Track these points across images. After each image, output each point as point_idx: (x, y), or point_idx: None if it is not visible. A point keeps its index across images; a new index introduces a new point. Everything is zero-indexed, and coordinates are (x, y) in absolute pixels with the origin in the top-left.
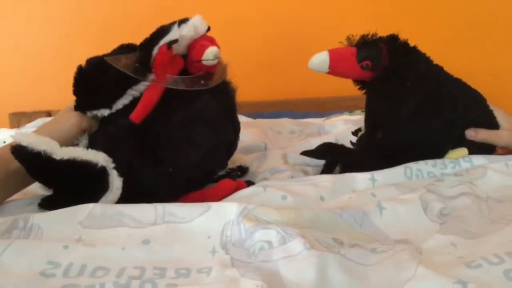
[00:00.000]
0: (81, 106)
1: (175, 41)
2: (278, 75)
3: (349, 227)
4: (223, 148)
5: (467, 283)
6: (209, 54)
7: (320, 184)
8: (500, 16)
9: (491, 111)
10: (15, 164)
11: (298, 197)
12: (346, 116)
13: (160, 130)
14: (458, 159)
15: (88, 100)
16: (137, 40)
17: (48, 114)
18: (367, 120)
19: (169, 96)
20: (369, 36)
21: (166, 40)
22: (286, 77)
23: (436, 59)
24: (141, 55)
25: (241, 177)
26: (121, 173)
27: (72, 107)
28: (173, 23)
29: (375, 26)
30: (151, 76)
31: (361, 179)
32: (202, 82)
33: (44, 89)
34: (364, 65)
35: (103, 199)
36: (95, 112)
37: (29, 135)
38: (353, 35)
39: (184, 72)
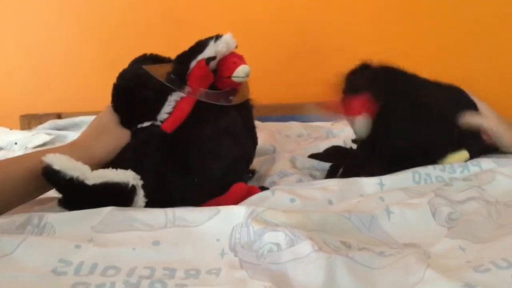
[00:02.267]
0: (128, 122)
1: (214, 58)
2: (287, 78)
3: (357, 230)
4: (244, 161)
5: (475, 287)
6: (241, 72)
7: (328, 188)
8: (504, 19)
9: (474, 103)
10: (23, 174)
11: (306, 201)
12: None
13: (190, 142)
14: (466, 164)
15: (134, 115)
16: (147, 42)
17: (58, 116)
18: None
19: (199, 109)
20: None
21: (204, 56)
22: (295, 81)
23: (437, 61)
24: (178, 67)
25: (249, 180)
26: (149, 182)
27: (114, 118)
28: (210, 38)
29: (381, 30)
30: (187, 89)
31: (369, 183)
32: (231, 98)
33: (54, 91)
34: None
35: None
36: (142, 125)
37: (61, 157)
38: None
39: (211, 86)
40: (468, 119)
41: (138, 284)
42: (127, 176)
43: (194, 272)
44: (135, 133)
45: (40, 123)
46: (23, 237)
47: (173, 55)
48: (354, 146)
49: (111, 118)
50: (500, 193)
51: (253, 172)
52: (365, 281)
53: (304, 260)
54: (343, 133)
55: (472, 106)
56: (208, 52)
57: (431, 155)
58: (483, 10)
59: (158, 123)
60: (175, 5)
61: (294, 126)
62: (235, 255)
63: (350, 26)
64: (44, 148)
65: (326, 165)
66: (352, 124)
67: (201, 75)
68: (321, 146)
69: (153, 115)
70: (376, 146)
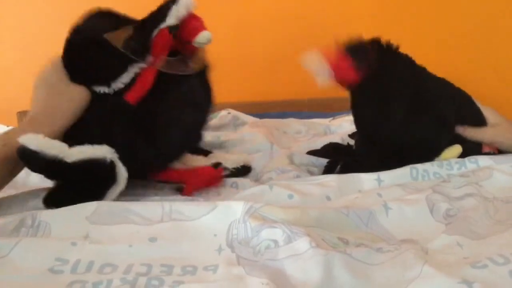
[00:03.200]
0: (79, 79)
1: (177, 26)
2: (284, 75)
3: (355, 226)
4: (203, 126)
5: (473, 283)
6: (203, 38)
7: (326, 184)
8: (502, 18)
9: (477, 108)
10: (2, 151)
11: (304, 197)
12: (352, 117)
13: (152, 111)
14: (464, 160)
15: (87, 77)
16: None
17: None
18: (356, 124)
19: (159, 77)
20: (356, 40)
21: (168, 23)
22: (293, 78)
23: (436, 59)
24: (140, 35)
25: (244, 176)
26: (119, 154)
27: (63, 76)
28: (170, 2)
29: (382, 28)
30: (150, 58)
31: (367, 179)
32: (191, 64)
33: None
34: (360, 69)
35: (111, 191)
36: (94, 88)
37: (37, 137)
38: (339, 39)
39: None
40: (470, 134)
41: (135, 281)
42: (103, 151)
43: (191, 268)
44: (92, 99)
45: None
46: (18, 239)
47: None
48: (352, 142)
49: (59, 77)
50: (497, 189)
51: (249, 169)
52: (363, 277)
53: (302, 256)
54: (341, 129)
55: (476, 114)
56: (171, 20)
57: (428, 152)
58: (483, 6)
59: (110, 89)
60: None
61: (292, 123)
62: (232, 251)
63: (350, 23)
64: (5, 132)
65: (324, 162)
66: (317, 69)
67: (164, 44)
68: (319, 143)
69: (108, 82)
70: (374, 142)
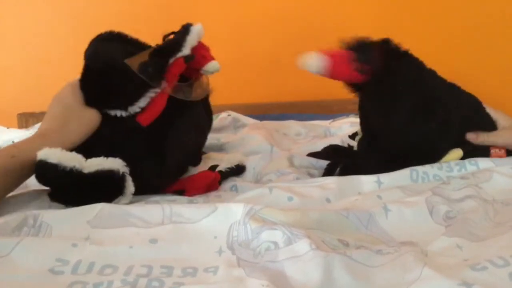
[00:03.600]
0: (95, 104)
1: (192, 57)
2: (284, 77)
3: (354, 228)
4: (202, 145)
5: (472, 285)
6: (212, 67)
7: (326, 186)
8: (503, 18)
9: (487, 113)
10: (10, 162)
11: (304, 199)
12: (352, 119)
13: (162, 133)
14: (464, 162)
15: (105, 101)
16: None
17: None
18: (362, 125)
19: (170, 101)
20: (363, 40)
21: (183, 54)
22: (293, 79)
23: (438, 60)
24: (158, 62)
25: (239, 175)
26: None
27: (79, 98)
28: (184, 33)
29: (382, 29)
30: (164, 84)
31: (367, 181)
32: (198, 90)
33: (52, 89)
34: (360, 69)
35: (116, 201)
36: (110, 112)
37: (56, 151)
38: (346, 39)
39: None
40: (483, 139)
41: (136, 282)
42: (116, 163)
43: (192, 270)
44: (104, 120)
45: (38, 121)
46: (20, 239)
47: None
48: (352, 143)
49: (75, 99)
50: (497, 191)
51: (243, 168)
52: (362, 279)
53: (302, 258)
54: (341, 131)
55: (484, 118)
56: (186, 50)
57: (430, 155)
58: (484, 6)
59: (127, 113)
60: (174, 5)
61: (292, 125)
62: (233, 253)
63: (351, 24)
64: (11, 143)
65: (324, 164)
66: (310, 60)
67: (177, 72)
68: (319, 145)
69: (126, 107)
70: (377, 144)
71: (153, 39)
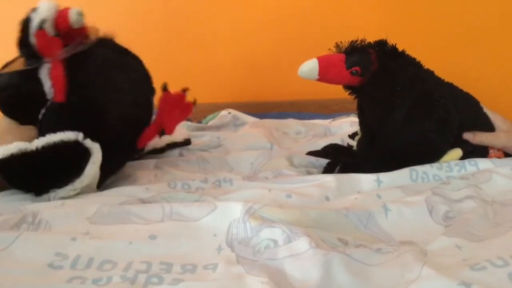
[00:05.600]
0: (27, 121)
1: (43, 21)
2: (285, 76)
3: (354, 227)
4: (143, 78)
5: (471, 285)
6: (74, 15)
7: (325, 185)
8: (503, 19)
9: (484, 113)
10: None
11: (303, 197)
12: (352, 118)
13: (83, 94)
14: (464, 163)
15: (28, 114)
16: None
17: None
18: (361, 126)
19: (71, 68)
20: (358, 42)
21: (35, 26)
22: (293, 78)
23: (439, 62)
24: (25, 50)
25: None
26: None
27: (12, 120)
28: (29, 13)
29: (382, 30)
30: (46, 59)
31: (366, 180)
32: (86, 41)
33: None
34: (353, 71)
35: (90, 163)
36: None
37: None
38: (341, 42)
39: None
40: (481, 138)
41: (135, 278)
42: (66, 135)
43: (191, 267)
44: (40, 123)
45: None
46: (19, 233)
47: (171, 51)
48: (352, 143)
49: (8, 121)
50: (496, 192)
51: (189, 141)
52: (361, 278)
53: (301, 256)
54: (341, 131)
55: (484, 120)
56: (35, 22)
57: (429, 154)
58: (485, 7)
59: (49, 103)
60: (177, 4)
61: (292, 124)
62: (232, 251)
63: (353, 24)
64: None
65: (324, 163)
66: (303, 66)
67: (46, 41)
68: (319, 144)
69: (43, 101)
70: (373, 144)
71: (157, 40)
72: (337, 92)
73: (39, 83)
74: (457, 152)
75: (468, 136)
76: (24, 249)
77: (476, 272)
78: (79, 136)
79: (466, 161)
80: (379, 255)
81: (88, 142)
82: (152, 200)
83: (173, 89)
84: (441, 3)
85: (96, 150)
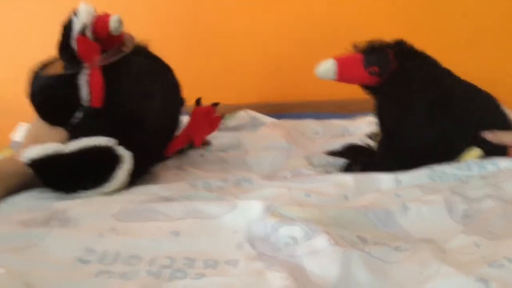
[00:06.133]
0: (60, 124)
1: (85, 27)
2: (303, 76)
3: (373, 225)
4: (174, 88)
5: (489, 282)
6: (114, 22)
7: (344, 184)
8: None
9: (503, 112)
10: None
11: (321, 196)
12: (370, 118)
13: (119, 101)
14: (483, 162)
15: (63, 118)
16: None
17: None
18: (380, 125)
19: (109, 74)
20: (376, 42)
21: (76, 32)
22: (311, 79)
23: (457, 61)
24: (65, 55)
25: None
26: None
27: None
28: (69, 17)
29: (401, 30)
30: (86, 65)
31: (385, 179)
32: (123, 48)
33: None
34: (371, 70)
35: (121, 170)
36: (74, 119)
37: (33, 148)
38: (359, 42)
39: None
40: (501, 138)
41: (160, 273)
42: (99, 140)
43: (213, 262)
44: (74, 128)
45: None
46: (49, 229)
47: (190, 52)
48: (370, 142)
49: (41, 124)
50: None
51: (208, 142)
52: (380, 275)
53: (321, 253)
54: (359, 131)
55: (503, 118)
56: (77, 27)
57: (447, 153)
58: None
59: (84, 109)
60: (198, 9)
61: (310, 124)
62: (252, 248)
63: (370, 24)
64: None
65: (342, 162)
66: (320, 66)
67: (86, 47)
68: (337, 144)
69: (78, 105)
70: (391, 144)
71: (176, 41)
72: (355, 92)
73: (76, 88)
74: (476, 151)
75: (487, 135)
76: (54, 244)
77: (494, 269)
78: (112, 142)
79: (486, 160)
80: (397, 252)
81: (121, 149)
82: (174, 198)
83: (191, 91)
84: (460, 3)
85: (127, 158)
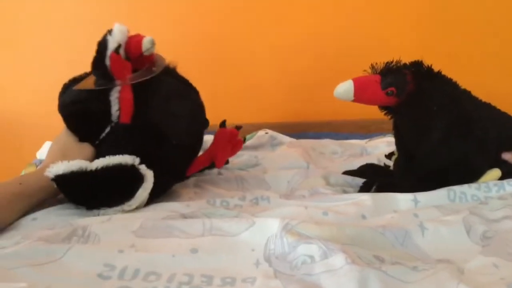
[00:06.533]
0: (87, 139)
1: (119, 46)
2: (321, 96)
3: (390, 245)
4: (199, 108)
5: None
6: (147, 43)
7: (362, 203)
8: None
9: None
10: (9, 197)
11: (339, 215)
12: (389, 138)
13: (148, 118)
14: (502, 183)
15: (90, 132)
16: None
17: None
18: (398, 145)
19: (138, 92)
20: (393, 63)
21: (110, 49)
22: (330, 99)
23: (477, 82)
24: (98, 71)
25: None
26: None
27: (73, 136)
28: (104, 36)
29: (419, 51)
30: (117, 82)
31: (403, 199)
32: (154, 69)
33: None
34: (389, 91)
35: (141, 188)
36: (103, 135)
37: (59, 164)
38: (377, 63)
39: (134, 71)
40: None
41: None
42: (124, 158)
43: (230, 280)
44: (101, 142)
45: None
46: (71, 245)
47: (210, 73)
48: (388, 163)
49: (69, 138)
50: None
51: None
52: None
53: (338, 272)
54: (377, 151)
55: None
56: (112, 45)
57: (467, 175)
58: None
59: (112, 124)
60: (218, 29)
61: (328, 144)
62: (270, 265)
63: (389, 44)
64: (21, 175)
65: (360, 182)
66: (339, 87)
67: (119, 65)
68: (355, 164)
69: (107, 121)
70: (410, 164)
71: (196, 62)
72: (374, 112)
73: (106, 103)
74: (496, 172)
75: (507, 156)
76: (76, 260)
77: None
78: (136, 160)
79: (505, 181)
80: (415, 272)
81: (143, 168)
82: (193, 215)
83: (211, 110)
84: (477, 25)
85: (149, 177)
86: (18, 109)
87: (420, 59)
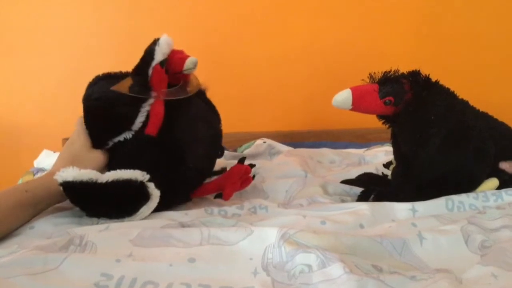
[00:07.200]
0: (101, 138)
1: (165, 60)
2: (319, 105)
3: (388, 255)
4: (218, 137)
5: None
6: (190, 63)
7: (360, 212)
8: None
9: None
10: (14, 204)
11: (337, 224)
12: (387, 147)
13: (172, 135)
14: (500, 192)
15: (109, 132)
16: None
17: None
18: (396, 154)
19: (168, 107)
20: (391, 73)
21: (157, 61)
22: (328, 108)
23: (474, 92)
24: (139, 78)
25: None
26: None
27: (85, 142)
28: (152, 45)
29: (417, 61)
30: (154, 94)
31: (401, 209)
32: (188, 89)
33: None
34: (386, 100)
35: (145, 206)
36: (117, 139)
37: (70, 170)
38: (375, 72)
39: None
40: None
41: None
42: (134, 174)
43: None
44: (113, 149)
45: None
46: (68, 254)
47: (208, 82)
48: (386, 172)
49: (81, 144)
50: None
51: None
52: None
53: (336, 281)
54: (375, 160)
55: None
56: (158, 57)
57: (465, 184)
58: None
59: (132, 133)
60: (217, 42)
61: (326, 152)
62: (268, 275)
63: (386, 54)
64: (26, 181)
65: (358, 191)
66: (337, 96)
67: (160, 78)
68: (354, 173)
69: (129, 127)
70: (408, 173)
71: (197, 71)
72: (372, 121)
73: (134, 111)
74: (494, 181)
75: (504, 165)
76: (72, 269)
77: None
78: (146, 177)
79: (503, 191)
80: (413, 282)
81: (151, 187)
82: (191, 224)
83: None
84: (475, 35)
85: (155, 197)
86: (16, 117)
87: (417, 69)
